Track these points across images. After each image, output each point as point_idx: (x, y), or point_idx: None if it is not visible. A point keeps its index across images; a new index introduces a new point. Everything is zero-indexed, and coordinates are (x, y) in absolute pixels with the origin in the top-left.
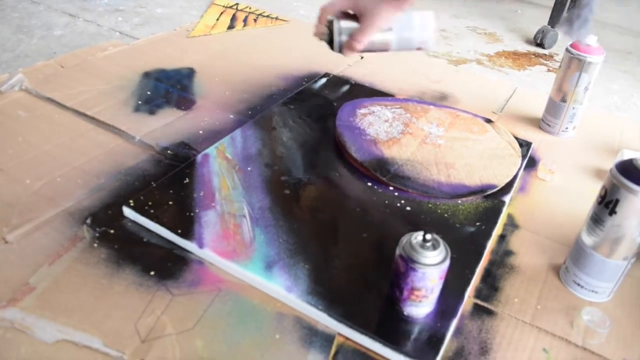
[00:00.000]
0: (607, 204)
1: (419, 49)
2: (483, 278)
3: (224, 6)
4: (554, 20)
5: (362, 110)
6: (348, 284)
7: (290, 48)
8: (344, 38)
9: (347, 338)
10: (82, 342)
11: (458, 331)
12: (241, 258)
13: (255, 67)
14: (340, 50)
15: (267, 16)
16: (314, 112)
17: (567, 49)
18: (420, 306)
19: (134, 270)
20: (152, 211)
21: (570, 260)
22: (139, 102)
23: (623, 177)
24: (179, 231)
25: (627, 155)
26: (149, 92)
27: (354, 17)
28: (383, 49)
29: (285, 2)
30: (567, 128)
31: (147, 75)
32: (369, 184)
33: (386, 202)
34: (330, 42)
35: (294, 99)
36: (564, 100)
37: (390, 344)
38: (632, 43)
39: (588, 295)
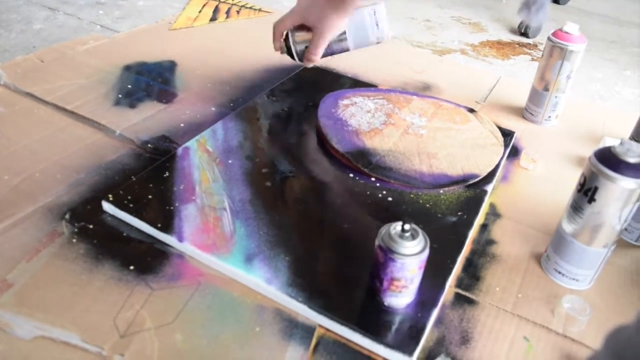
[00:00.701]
0: (586, 191)
1: (378, 42)
2: (464, 267)
3: None
4: None
5: (345, 102)
6: (329, 275)
7: None
8: (301, 47)
9: (327, 329)
10: (60, 338)
11: (439, 321)
12: (221, 251)
13: (237, 59)
14: (301, 60)
15: (250, 8)
16: (296, 103)
17: (549, 38)
18: (400, 296)
19: (113, 265)
20: (131, 205)
21: (552, 249)
22: (120, 96)
23: (601, 164)
24: (159, 225)
25: (609, 142)
26: (129, 86)
27: (308, 28)
28: (342, 51)
29: None
30: (550, 117)
31: (127, 68)
32: (351, 175)
33: (368, 193)
34: (291, 54)
35: (276, 90)
36: (546, 89)
37: (371, 334)
38: (616, 32)
39: (569, 283)
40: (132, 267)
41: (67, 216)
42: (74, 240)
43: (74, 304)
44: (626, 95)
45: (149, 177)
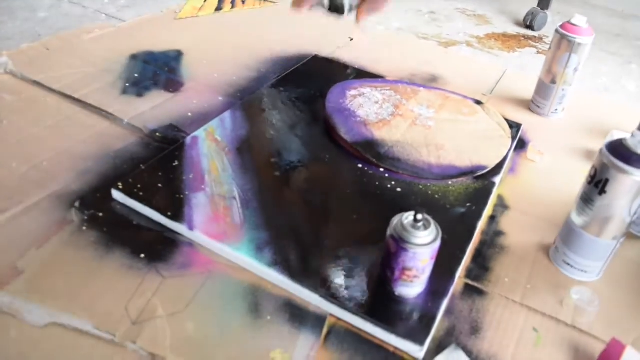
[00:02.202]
0: (597, 183)
1: None
2: (474, 258)
3: None
4: (543, 2)
5: (352, 92)
6: (339, 264)
7: (279, 30)
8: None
9: (338, 319)
10: (72, 325)
11: (449, 311)
12: (232, 240)
13: (243, 49)
14: (342, 12)
15: None
16: (303, 94)
17: (556, 30)
18: (412, 286)
19: (124, 253)
20: (141, 194)
21: (560, 240)
22: (127, 85)
23: (613, 156)
24: (169, 213)
25: (616, 136)
26: (136, 75)
27: None
28: None
29: None
30: (556, 109)
31: (134, 57)
32: (359, 165)
33: (377, 183)
34: (335, 5)
35: (283, 81)
36: (553, 81)
37: (382, 324)
38: (621, 25)
39: (577, 274)
40: (142, 255)
41: (77, 204)
42: (84, 228)
43: (85, 291)
44: (631, 89)
45: (158, 166)
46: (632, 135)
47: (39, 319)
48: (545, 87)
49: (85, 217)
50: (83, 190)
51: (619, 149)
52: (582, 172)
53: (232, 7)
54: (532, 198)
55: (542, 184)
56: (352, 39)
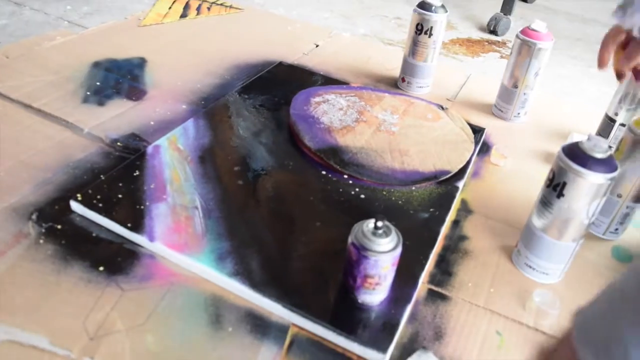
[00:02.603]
0: (555, 186)
1: None
2: (437, 263)
3: None
4: (506, 7)
5: (317, 99)
6: (302, 273)
7: (245, 37)
8: None
9: (301, 328)
10: (28, 342)
11: (413, 317)
12: (193, 250)
13: (208, 56)
14: None
15: (221, 4)
16: (268, 101)
17: (517, 36)
18: (374, 294)
19: (83, 266)
20: (100, 205)
21: (522, 243)
22: (88, 93)
23: (569, 159)
24: (129, 225)
25: (576, 138)
26: (98, 83)
27: None
28: None
29: None
30: (519, 113)
31: (96, 65)
32: (324, 172)
33: (340, 190)
34: None
35: (247, 88)
36: (515, 86)
37: (345, 332)
38: (581, 30)
39: (539, 277)
40: (102, 268)
41: (34, 216)
42: (41, 241)
43: (41, 306)
44: (591, 92)
45: (119, 176)
46: (588, 139)
47: None
48: (508, 91)
49: (43, 230)
50: (41, 202)
51: (575, 152)
52: (543, 175)
53: (198, 14)
54: (495, 202)
55: (505, 187)
56: (317, 45)
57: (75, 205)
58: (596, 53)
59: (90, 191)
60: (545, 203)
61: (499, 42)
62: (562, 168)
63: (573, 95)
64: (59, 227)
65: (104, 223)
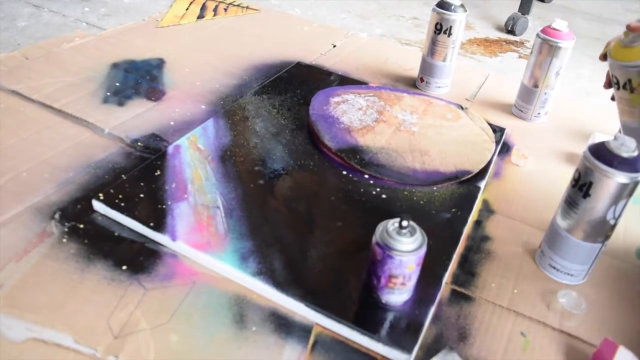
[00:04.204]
0: (581, 186)
1: None
2: (460, 264)
3: None
4: (524, 7)
5: (336, 99)
6: (324, 273)
7: (262, 37)
8: None
9: (325, 328)
10: (53, 340)
11: (436, 318)
12: (215, 250)
13: (226, 57)
14: None
15: (238, 5)
16: (286, 101)
17: (538, 35)
18: (398, 293)
19: (106, 265)
20: (122, 204)
21: (546, 244)
22: (108, 94)
23: (596, 159)
24: (151, 224)
25: (598, 138)
26: (117, 84)
27: None
28: None
29: None
30: (539, 113)
31: (115, 66)
32: (344, 172)
33: (362, 190)
34: None
35: (266, 88)
36: (535, 85)
37: (369, 332)
38: (600, 29)
39: (564, 278)
40: (124, 267)
41: (57, 216)
42: (64, 240)
43: (65, 304)
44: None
45: (140, 176)
46: (615, 138)
47: (19, 334)
48: (528, 91)
49: (66, 229)
50: (63, 201)
51: (601, 152)
52: (565, 175)
53: (215, 15)
54: (517, 202)
55: (526, 187)
56: (335, 46)
57: (97, 205)
58: None
59: (112, 191)
60: (570, 203)
61: (517, 42)
62: (588, 168)
63: (593, 94)
64: (82, 226)
65: (126, 222)
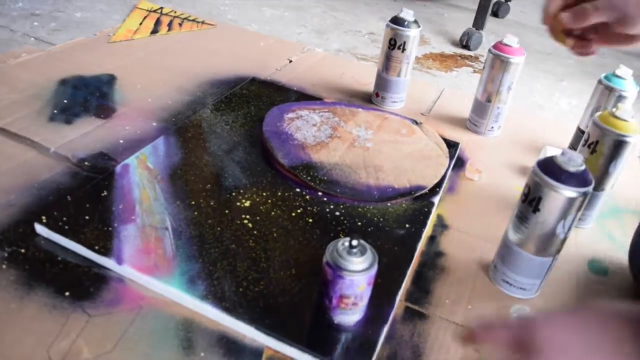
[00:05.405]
0: (531, 201)
1: None
2: (414, 280)
3: (147, 10)
4: (478, 22)
5: (290, 115)
6: (276, 294)
7: (217, 53)
8: None
9: (276, 351)
10: None
11: (390, 336)
12: (163, 273)
13: (179, 72)
14: None
15: (193, 20)
16: (240, 117)
17: (489, 50)
18: (350, 314)
19: (47, 292)
20: (66, 227)
21: (499, 259)
22: (55, 112)
23: (544, 174)
24: (97, 247)
25: (549, 151)
26: (65, 101)
27: None
28: None
29: (213, 5)
30: (492, 127)
31: (64, 82)
32: (298, 190)
33: (316, 207)
34: None
35: (219, 104)
36: (489, 100)
37: (321, 354)
38: (552, 44)
39: (516, 292)
40: (67, 293)
41: None
42: (4, 267)
43: (3, 334)
44: (563, 106)
45: (86, 197)
46: (562, 153)
47: None
48: (481, 105)
49: (5, 255)
50: (4, 225)
51: (550, 167)
52: (518, 189)
53: (169, 30)
54: (471, 216)
55: (480, 202)
56: (291, 61)
57: (39, 228)
58: (567, 67)
59: (55, 212)
60: (521, 218)
61: (471, 56)
62: (538, 183)
63: (545, 108)
64: (23, 251)
65: (70, 246)
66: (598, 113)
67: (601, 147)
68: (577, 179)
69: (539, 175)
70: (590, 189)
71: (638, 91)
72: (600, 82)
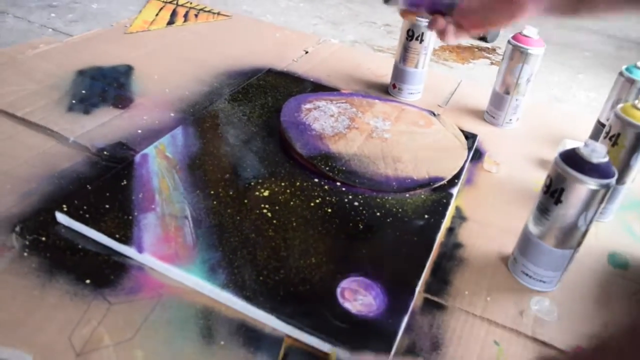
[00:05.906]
0: (553, 193)
1: None
2: (433, 272)
3: (163, 1)
4: None
5: (307, 106)
6: (296, 283)
7: (233, 44)
8: None
9: (296, 340)
10: (12, 359)
11: (409, 327)
12: (183, 261)
13: (196, 63)
14: None
15: (209, 11)
16: (257, 108)
17: (509, 42)
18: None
19: (68, 280)
20: (87, 216)
21: (518, 251)
22: (73, 102)
23: (567, 166)
24: (117, 236)
25: (569, 144)
26: (83, 91)
27: None
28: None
29: None
30: (510, 120)
31: (81, 73)
32: (316, 180)
33: (334, 197)
34: None
35: (237, 95)
36: (507, 92)
37: (341, 343)
38: (569, 36)
39: (536, 284)
40: (88, 281)
41: (18, 229)
42: (25, 254)
43: (26, 321)
44: (581, 98)
45: (106, 186)
46: (585, 145)
47: None
48: (499, 97)
49: (27, 243)
50: (25, 213)
51: (573, 158)
52: (537, 181)
53: (185, 20)
54: (489, 208)
55: (499, 194)
56: (307, 52)
57: (60, 217)
58: (585, 59)
59: (76, 201)
60: (542, 210)
61: (488, 48)
62: (560, 174)
63: (563, 101)
64: (44, 239)
65: (91, 234)
66: (620, 105)
67: (623, 139)
68: (600, 171)
69: (561, 167)
70: (613, 181)
71: None
72: (621, 74)
